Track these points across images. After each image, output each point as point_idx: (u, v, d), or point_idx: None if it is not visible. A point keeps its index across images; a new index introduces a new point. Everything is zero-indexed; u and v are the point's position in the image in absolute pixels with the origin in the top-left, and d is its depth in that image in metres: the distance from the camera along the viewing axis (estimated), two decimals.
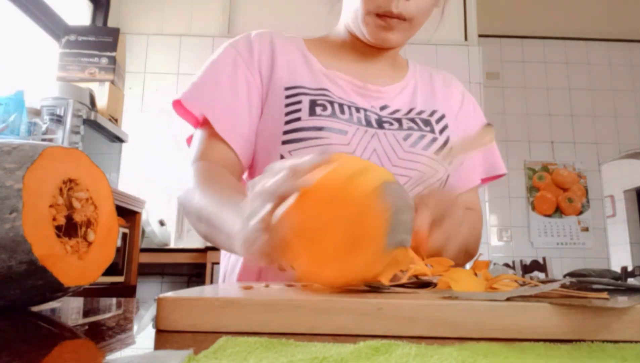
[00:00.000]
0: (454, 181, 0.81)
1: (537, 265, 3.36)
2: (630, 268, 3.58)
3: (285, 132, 0.71)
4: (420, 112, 0.79)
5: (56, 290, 0.43)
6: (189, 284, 2.82)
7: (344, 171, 0.37)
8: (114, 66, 2.39)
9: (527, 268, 3.44)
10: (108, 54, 2.39)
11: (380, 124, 0.74)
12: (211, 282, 2.38)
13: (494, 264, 3.43)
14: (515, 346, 0.25)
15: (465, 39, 3.28)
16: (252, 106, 0.75)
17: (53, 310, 0.47)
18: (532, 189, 4.28)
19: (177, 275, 2.83)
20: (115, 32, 2.48)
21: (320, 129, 0.70)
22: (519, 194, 4.25)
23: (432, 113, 0.80)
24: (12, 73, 2.23)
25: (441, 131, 0.77)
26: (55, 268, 0.42)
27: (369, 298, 0.32)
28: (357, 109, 0.74)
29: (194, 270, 2.80)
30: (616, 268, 3.81)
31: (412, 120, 0.77)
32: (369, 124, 0.73)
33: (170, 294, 0.33)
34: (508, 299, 0.31)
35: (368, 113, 0.75)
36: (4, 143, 0.44)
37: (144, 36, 3.12)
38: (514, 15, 4.41)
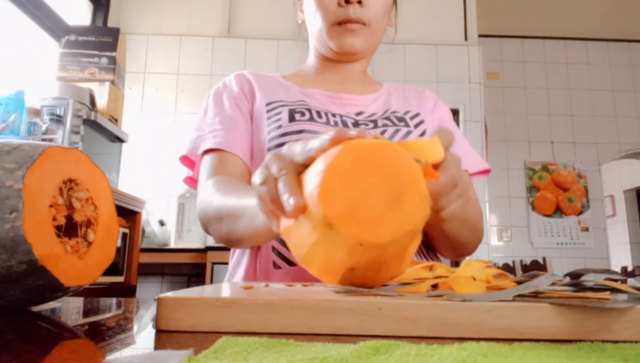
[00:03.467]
0: None
1: (537, 265, 3.36)
2: (630, 268, 3.58)
3: (269, 140, 0.76)
4: (395, 112, 0.84)
5: (56, 290, 0.43)
6: (189, 284, 2.82)
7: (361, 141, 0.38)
8: (114, 66, 2.39)
9: (527, 268, 3.43)
10: (108, 54, 2.39)
11: (356, 126, 0.79)
12: (211, 282, 2.38)
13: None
14: (515, 346, 0.25)
15: (465, 39, 3.28)
16: (246, 121, 0.82)
17: (53, 310, 0.47)
18: (532, 189, 4.28)
19: (177, 275, 2.83)
20: (115, 32, 2.48)
21: (299, 132, 0.75)
22: (519, 194, 4.25)
23: (406, 112, 0.84)
24: (12, 73, 2.23)
25: (416, 126, 0.81)
26: (55, 268, 0.42)
27: (369, 298, 0.32)
28: (334, 115, 0.80)
29: (194, 270, 2.80)
30: (616, 268, 3.81)
31: (387, 118, 0.81)
32: (345, 126, 0.78)
33: (170, 294, 0.33)
34: (504, 300, 0.31)
35: (344, 118, 0.80)
36: (4, 143, 0.44)
37: (144, 36, 3.12)
38: (514, 15, 4.40)
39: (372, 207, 0.35)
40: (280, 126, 0.76)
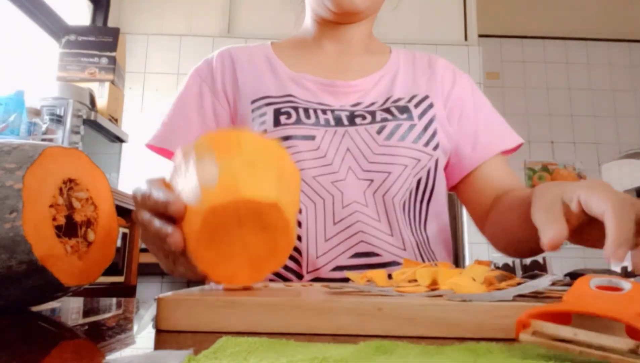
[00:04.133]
0: (467, 154, 0.77)
1: (537, 265, 3.35)
2: (630, 268, 3.58)
3: None
4: (397, 100, 0.75)
5: (56, 290, 0.43)
6: (189, 284, 2.82)
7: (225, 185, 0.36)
8: (114, 66, 2.38)
9: (527, 268, 3.43)
10: (108, 54, 2.39)
11: (352, 119, 0.72)
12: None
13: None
14: (515, 346, 0.25)
15: (465, 39, 3.28)
16: (225, 124, 0.77)
17: (53, 310, 0.47)
18: None
19: None
20: (115, 32, 2.48)
21: (286, 138, 0.69)
22: None
23: (411, 98, 0.76)
24: (12, 73, 2.23)
25: (421, 115, 0.74)
26: (55, 268, 0.42)
27: (369, 298, 0.32)
28: (324, 111, 0.72)
29: None
30: (616, 268, 3.80)
31: (387, 110, 0.73)
32: (338, 122, 0.71)
33: (170, 294, 0.33)
34: (504, 300, 0.31)
35: (337, 112, 0.73)
36: (4, 143, 0.44)
37: (144, 36, 3.12)
38: (514, 15, 4.40)
39: (256, 250, 0.37)
40: (265, 131, 0.70)
